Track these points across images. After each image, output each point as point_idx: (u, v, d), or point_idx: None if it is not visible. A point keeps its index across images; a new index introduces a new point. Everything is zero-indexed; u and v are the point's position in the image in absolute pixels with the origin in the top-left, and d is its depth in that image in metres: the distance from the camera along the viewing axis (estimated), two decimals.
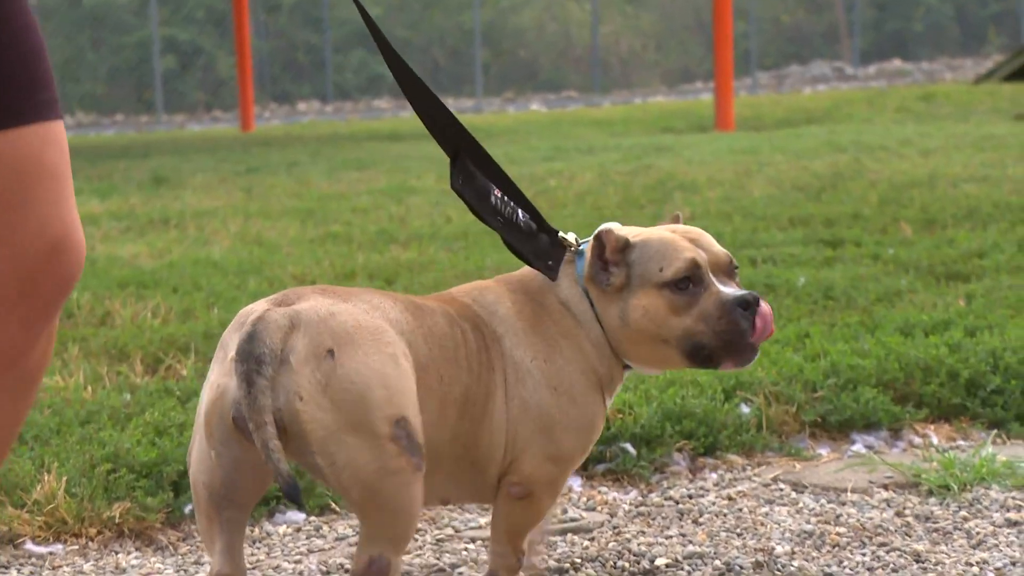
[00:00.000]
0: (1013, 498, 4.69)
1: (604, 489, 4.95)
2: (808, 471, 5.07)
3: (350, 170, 16.45)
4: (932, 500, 4.72)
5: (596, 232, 3.64)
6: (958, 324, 6.25)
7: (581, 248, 3.75)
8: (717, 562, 4.22)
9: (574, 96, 41.73)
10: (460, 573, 4.25)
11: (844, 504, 4.73)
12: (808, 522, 4.55)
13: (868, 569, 4.14)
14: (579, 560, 4.29)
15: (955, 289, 7.37)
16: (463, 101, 40.38)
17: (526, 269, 3.75)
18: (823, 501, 4.76)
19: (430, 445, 3.45)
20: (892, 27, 46.31)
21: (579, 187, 13.16)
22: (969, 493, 4.74)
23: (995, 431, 5.40)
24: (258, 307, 3.33)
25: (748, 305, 3.54)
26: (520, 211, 3.78)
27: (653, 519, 4.67)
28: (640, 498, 4.87)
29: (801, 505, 4.71)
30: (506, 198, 3.76)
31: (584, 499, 4.86)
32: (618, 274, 3.62)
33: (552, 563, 4.28)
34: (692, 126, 20.86)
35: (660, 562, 4.24)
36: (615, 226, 3.71)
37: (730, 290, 3.57)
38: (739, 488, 4.91)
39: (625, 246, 3.62)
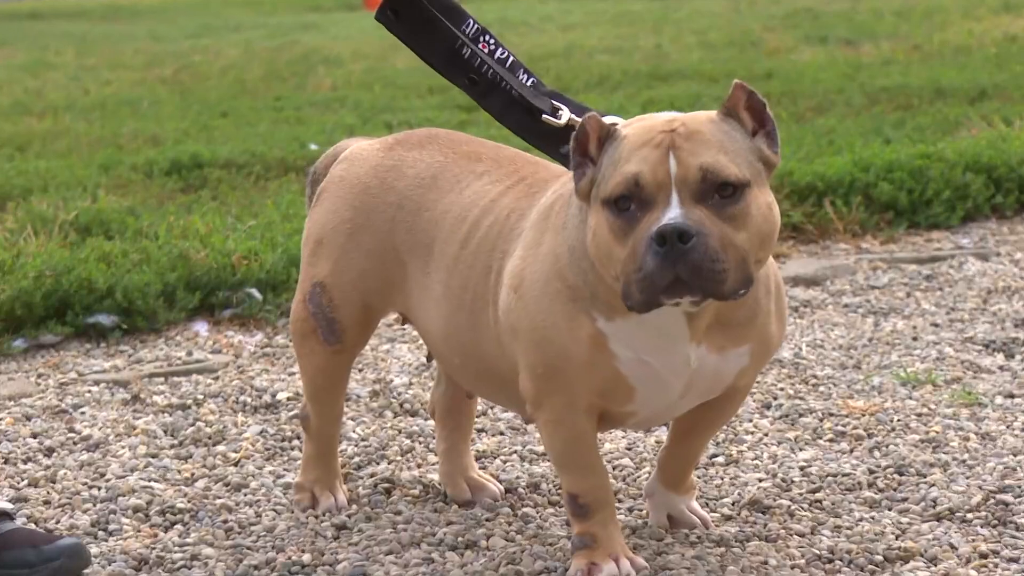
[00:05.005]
0: None
1: (231, 333, 5.05)
2: None
3: None
4: None
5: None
6: None
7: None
8: None
9: None
10: (83, 412, 4.31)
11: None
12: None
13: None
14: (202, 396, 4.39)
15: None
16: None
17: None
18: None
19: (429, 334, 3.26)
20: None
21: (224, 62, 13.07)
22: None
23: None
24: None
25: (663, 241, 2.72)
26: (521, 71, 3.16)
27: (277, 359, 4.79)
28: (266, 340, 4.99)
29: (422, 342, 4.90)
30: (499, 51, 3.16)
31: (211, 343, 4.95)
32: (588, 175, 2.89)
33: (175, 400, 4.37)
34: (340, 4, 20.81)
35: (281, 396, 4.38)
36: (673, 115, 2.90)
37: (669, 215, 2.74)
38: None
39: (605, 137, 2.88)
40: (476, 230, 3.17)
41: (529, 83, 3.19)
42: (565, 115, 3.15)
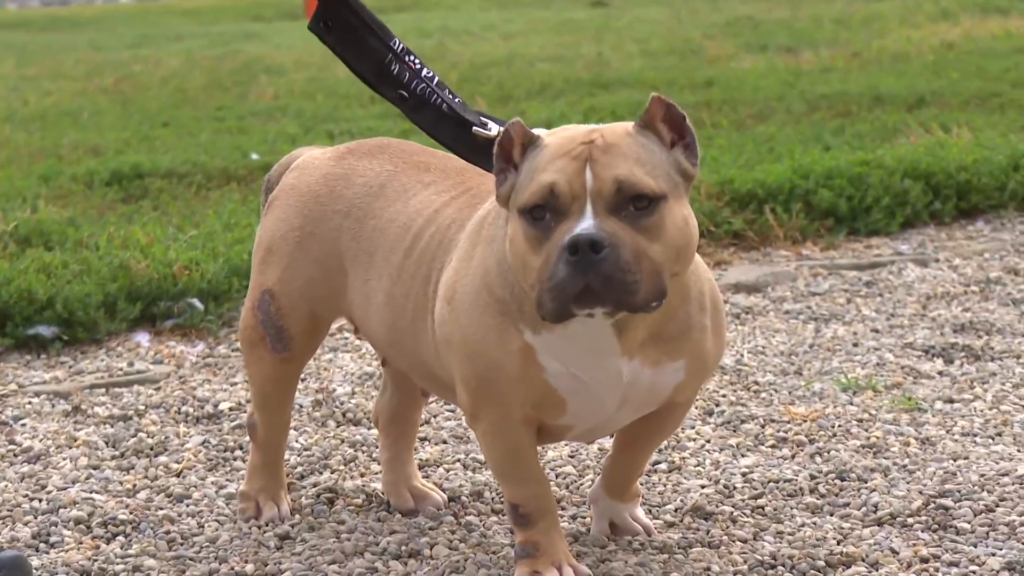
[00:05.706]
0: None
1: (172, 343, 5.03)
2: None
3: None
4: None
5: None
6: None
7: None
8: None
9: None
10: (23, 424, 4.28)
11: None
12: (369, 365, 4.74)
13: None
14: (143, 407, 4.36)
15: None
16: None
17: None
18: None
19: (376, 340, 3.31)
20: None
21: (165, 72, 13.01)
22: None
23: None
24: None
25: (576, 250, 2.72)
26: (447, 90, 3.22)
27: (219, 369, 4.78)
28: (207, 350, 4.97)
29: (364, 351, 4.90)
30: (424, 70, 3.22)
31: (152, 353, 4.93)
32: (509, 181, 2.90)
33: (116, 411, 4.35)
34: (282, 14, 20.76)
35: (223, 406, 4.36)
36: (594, 127, 2.90)
37: (582, 226, 2.73)
38: None
39: (528, 144, 2.89)
40: (419, 239, 3.19)
41: (456, 100, 3.24)
42: (495, 128, 3.16)
